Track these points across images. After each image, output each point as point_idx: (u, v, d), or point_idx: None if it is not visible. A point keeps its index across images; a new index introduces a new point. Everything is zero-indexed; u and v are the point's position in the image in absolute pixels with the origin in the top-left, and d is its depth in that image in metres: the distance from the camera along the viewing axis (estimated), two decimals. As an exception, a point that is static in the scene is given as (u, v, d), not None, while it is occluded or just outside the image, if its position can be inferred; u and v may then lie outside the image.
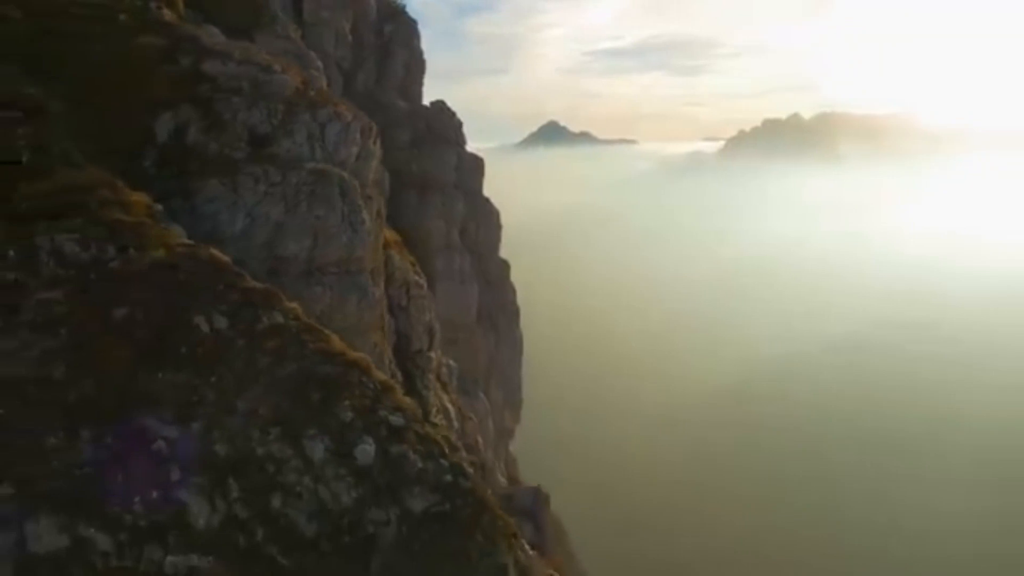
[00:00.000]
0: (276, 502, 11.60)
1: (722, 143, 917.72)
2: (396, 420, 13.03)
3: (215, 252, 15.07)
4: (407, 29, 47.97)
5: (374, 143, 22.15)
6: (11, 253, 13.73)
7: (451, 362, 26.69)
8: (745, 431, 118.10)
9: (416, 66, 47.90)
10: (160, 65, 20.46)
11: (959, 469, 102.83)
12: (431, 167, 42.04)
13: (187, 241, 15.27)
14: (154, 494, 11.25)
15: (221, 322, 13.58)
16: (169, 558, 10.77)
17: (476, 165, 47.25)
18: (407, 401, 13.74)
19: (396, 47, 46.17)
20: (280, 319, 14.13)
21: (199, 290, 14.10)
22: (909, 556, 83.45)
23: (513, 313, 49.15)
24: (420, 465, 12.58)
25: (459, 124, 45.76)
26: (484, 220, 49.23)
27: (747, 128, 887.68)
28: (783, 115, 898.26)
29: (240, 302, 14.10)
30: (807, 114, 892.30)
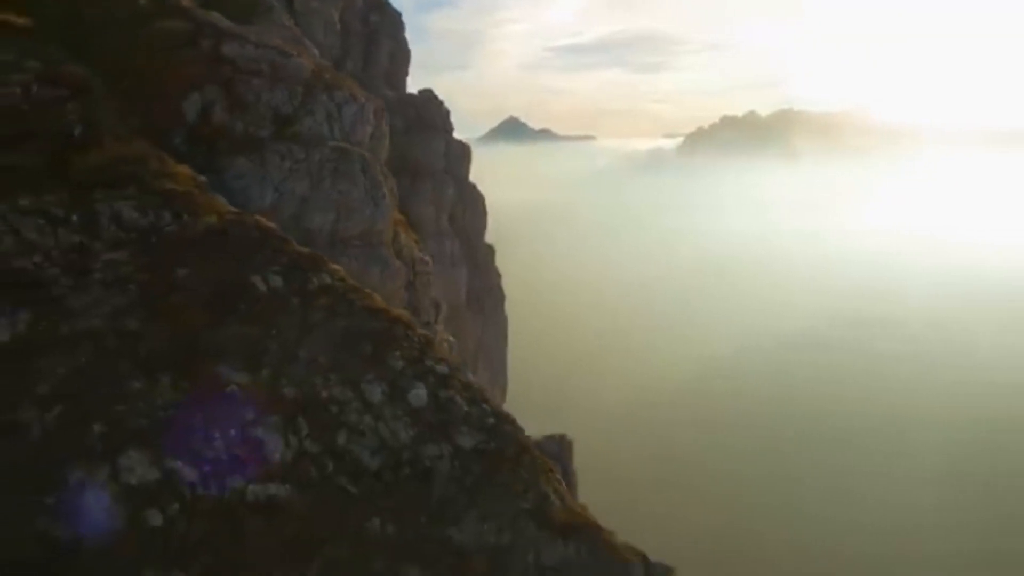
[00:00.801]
0: (341, 439, 12.72)
1: (681, 140, 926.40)
2: (441, 369, 14.21)
3: (261, 219, 16.12)
4: (392, 20, 49.02)
5: (385, 124, 23.25)
6: (74, 218, 14.66)
7: (451, 338, 27.90)
8: (705, 429, 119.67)
9: (402, 56, 49.05)
10: (183, 48, 21.35)
11: (918, 465, 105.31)
12: (421, 154, 43.19)
13: (233, 209, 16.29)
14: (232, 432, 12.31)
15: (276, 281, 14.64)
16: (250, 487, 11.85)
17: (463, 152, 48.62)
18: (449, 353, 14.92)
19: (382, 37, 47.25)
20: (328, 280, 15.22)
21: (252, 253, 15.15)
22: (869, 553, 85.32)
23: (499, 297, 50.53)
24: (466, 408, 13.78)
25: (447, 112, 47.07)
26: (471, 205, 50.58)
27: (706, 125, 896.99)
28: (740, 112, 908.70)
29: (290, 264, 15.17)
30: (764, 111, 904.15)
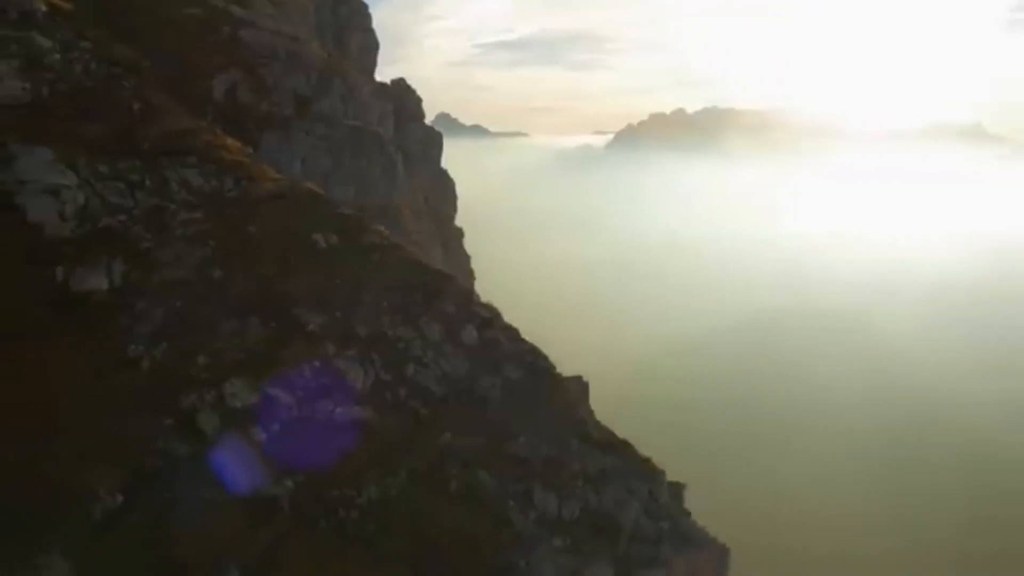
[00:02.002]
0: (410, 370, 14.65)
1: (612, 136, 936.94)
2: (484, 313, 16.24)
3: (311, 185, 17.88)
4: (360, 12, 50.33)
5: (389, 107, 25.07)
6: (147, 183, 16.24)
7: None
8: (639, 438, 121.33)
9: (371, 47, 50.36)
10: (206, 33, 22.83)
11: (830, 457, 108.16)
12: (400, 139, 44.63)
13: (282, 176, 18.01)
14: (317, 363, 14.15)
15: (333, 239, 16.45)
16: (338, 409, 13.71)
17: (435, 138, 50.31)
18: (485, 302, 16.95)
19: (352, 28, 48.52)
20: (376, 239, 17.08)
21: (308, 214, 16.92)
22: (786, 546, 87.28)
23: (469, 278, 52.08)
24: (509, 346, 15.83)
25: (419, 100, 48.53)
26: (443, 190, 52.32)
27: (636, 122, 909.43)
28: (669, 110, 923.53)
29: (343, 224, 16.98)
30: (692, 109, 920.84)
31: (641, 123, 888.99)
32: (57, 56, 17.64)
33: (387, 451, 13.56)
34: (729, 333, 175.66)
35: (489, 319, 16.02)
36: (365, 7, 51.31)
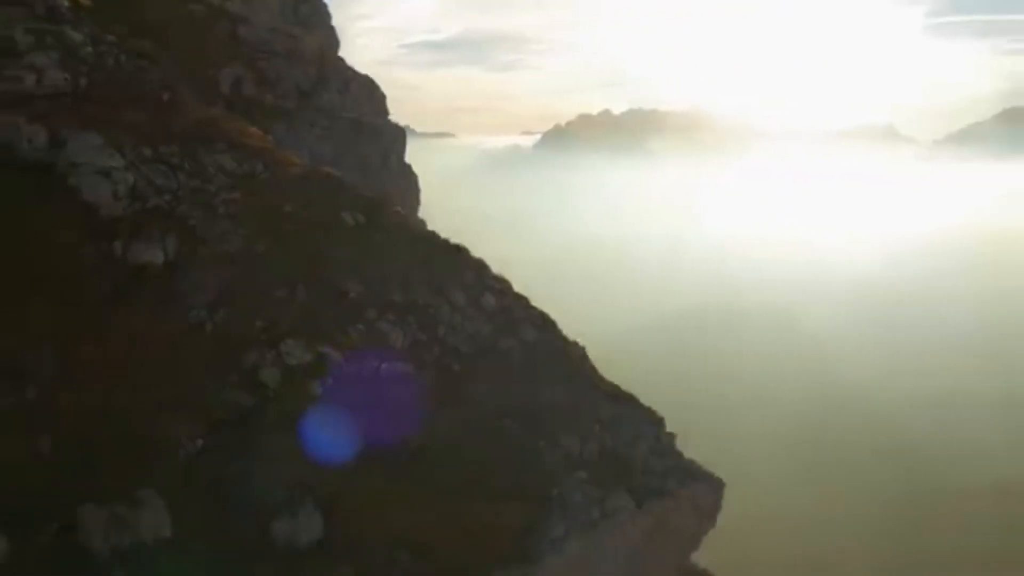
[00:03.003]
0: (441, 331, 16.39)
1: (539, 137, 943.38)
2: (497, 284, 18.06)
3: (330, 170, 19.43)
4: (320, 10, 51.48)
5: (383, 100, 26.65)
6: (187, 166, 17.61)
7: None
8: None
9: (332, 45, 51.42)
10: (208, 28, 24.09)
11: (755, 458, 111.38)
12: (367, 134, 46.17)
13: (304, 161, 19.51)
14: (360, 326, 15.80)
15: (360, 217, 18.05)
16: (383, 365, 15.39)
17: (400, 134, 51.67)
18: (497, 274, 18.76)
19: (312, 26, 49.60)
20: (396, 218, 18.76)
21: (335, 195, 18.49)
22: (708, 548, 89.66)
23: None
24: (522, 311, 17.70)
25: (383, 96, 49.85)
26: (408, 184, 53.73)
27: (563, 123, 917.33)
28: (595, 111, 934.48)
29: (365, 204, 18.59)
30: (618, 110, 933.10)
31: (568, 124, 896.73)
32: (89, 49, 18.83)
33: (426, 407, 15.27)
34: (654, 332, 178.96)
35: (502, 288, 17.85)
36: (325, 6, 52.47)
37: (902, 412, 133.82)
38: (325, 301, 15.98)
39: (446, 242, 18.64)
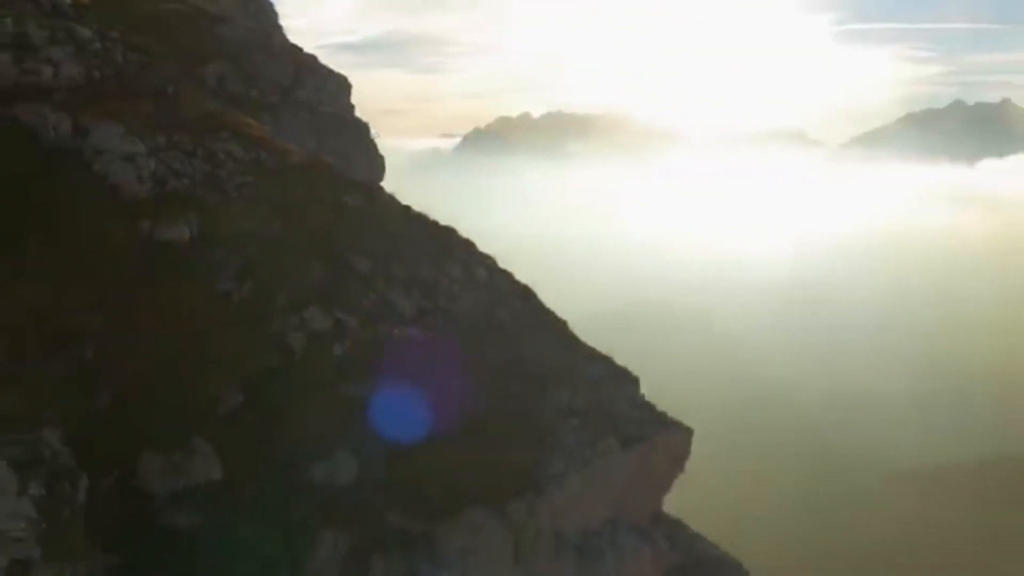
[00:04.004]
0: (443, 301, 18.25)
1: (459, 139, 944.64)
2: (486, 260, 20.00)
3: (323, 157, 21.05)
4: (267, 10, 52.32)
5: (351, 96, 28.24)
6: (199, 152, 19.05)
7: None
8: None
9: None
10: (189, 26, 25.29)
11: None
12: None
13: (299, 149, 21.07)
14: (372, 296, 17.54)
15: (359, 200, 19.75)
16: (395, 330, 17.18)
17: (366, 128, 53.02)
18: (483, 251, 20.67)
19: (260, 24, 50.43)
20: (389, 201, 20.50)
21: (333, 180, 20.15)
22: None
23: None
24: (509, 285, 19.68)
25: (350, 91, 51.17)
26: (380, 174, 55.11)
27: (482, 125, 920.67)
28: (515, 113, 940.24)
29: (362, 189, 20.29)
30: (537, 113, 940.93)
31: (488, 126, 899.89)
32: (98, 44, 20.05)
33: (433, 362, 17.12)
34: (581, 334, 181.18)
35: (490, 264, 19.79)
36: (271, 5, 53.38)
37: (820, 410, 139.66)
38: (337, 274, 17.65)
39: (436, 222, 20.47)
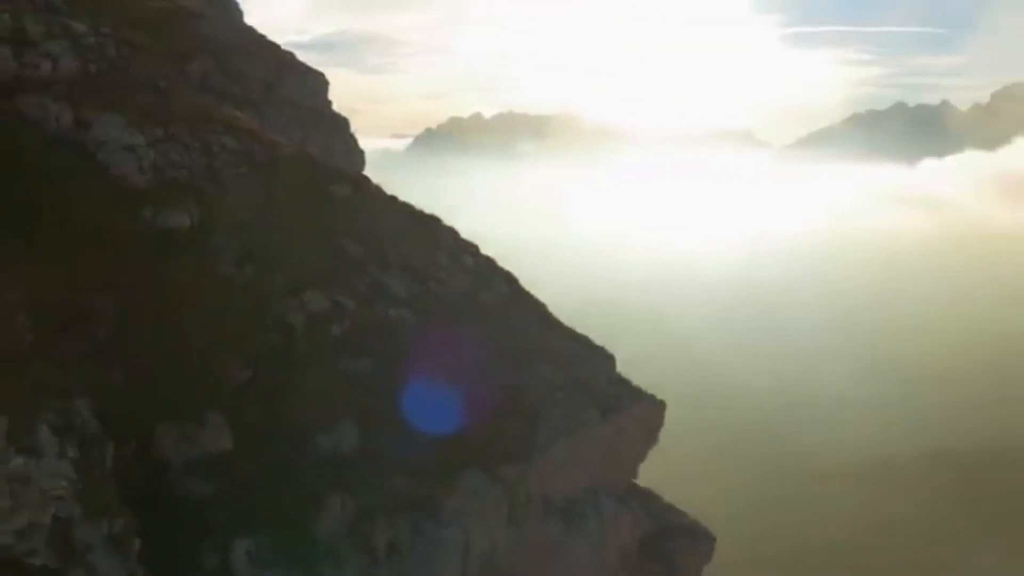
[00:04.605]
0: (432, 285, 19.31)
1: (411, 140, 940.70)
2: (471, 248, 21.11)
3: (314, 150, 21.96)
4: (231, 5, 52.63)
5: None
6: (196, 144, 19.84)
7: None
8: None
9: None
10: (171, 23, 25.94)
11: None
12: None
13: (287, 142, 21.95)
14: (367, 279, 18.55)
15: (347, 190, 20.72)
16: (391, 311, 18.21)
17: (346, 123, 53.68)
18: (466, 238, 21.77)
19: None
20: (376, 191, 21.49)
21: (321, 171, 21.07)
22: None
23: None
24: (493, 271, 20.81)
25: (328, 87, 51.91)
26: (360, 166, 55.92)
27: (434, 126, 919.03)
28: (466, 114, 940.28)
29: (350, 180, 21.25)
30: (489, 113, 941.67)
31: (439, 126, 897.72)
32: (92, 39, 20.72)
33: (427, 340, 18.20)
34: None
35: (474, 251, 20.91)
36: (236, 4, 53.68)
37: (765, 408, 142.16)
38: (332, 259, 18.64)
39: (422, 211, 21.52)
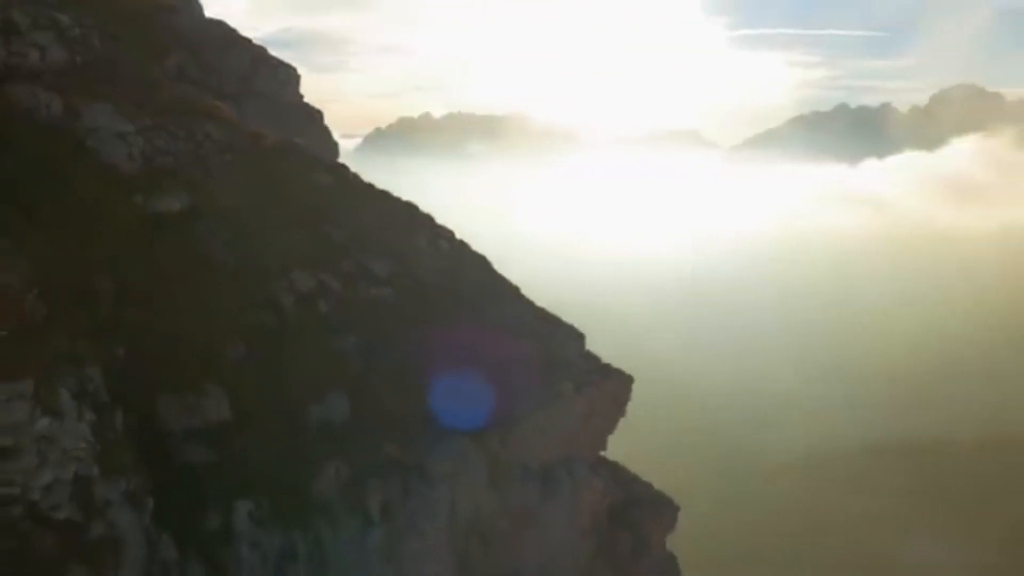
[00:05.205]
0: (412, 266, 20.32)
1: (360, 140, 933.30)
2: (446, 232, 22.15)
3: (295, 140, 22.78)
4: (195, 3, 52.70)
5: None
6: (181, 133, 20.56)
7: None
8: None
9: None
10: (148, 18, 26.51)
11: None
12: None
13: (270, 133, 22.74)
14: (351, 260, 19.48)
15: (328, 178, 21.62)
16: (373, 290, 19.17)
17: (319, 114, 54.18)
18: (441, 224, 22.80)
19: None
20: (355, 180, 22.41)
21: (304, 160, 21.93)
22: None
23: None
24: (467, 254, 21.88)
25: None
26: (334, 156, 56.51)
27: (383, 126, 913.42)
28: (416, 114, 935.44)
29: (329, 168, 22.14)
30: (438, 114, 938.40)
31: (389, 127, 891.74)
32: (77, 31, 21.30)
33: (406, 316, 19.21)
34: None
35: (449, 236, 21.96)
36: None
37: (716, 408, 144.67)
38: (317, 242, 19.53)
39: (399, 198, 22.51)
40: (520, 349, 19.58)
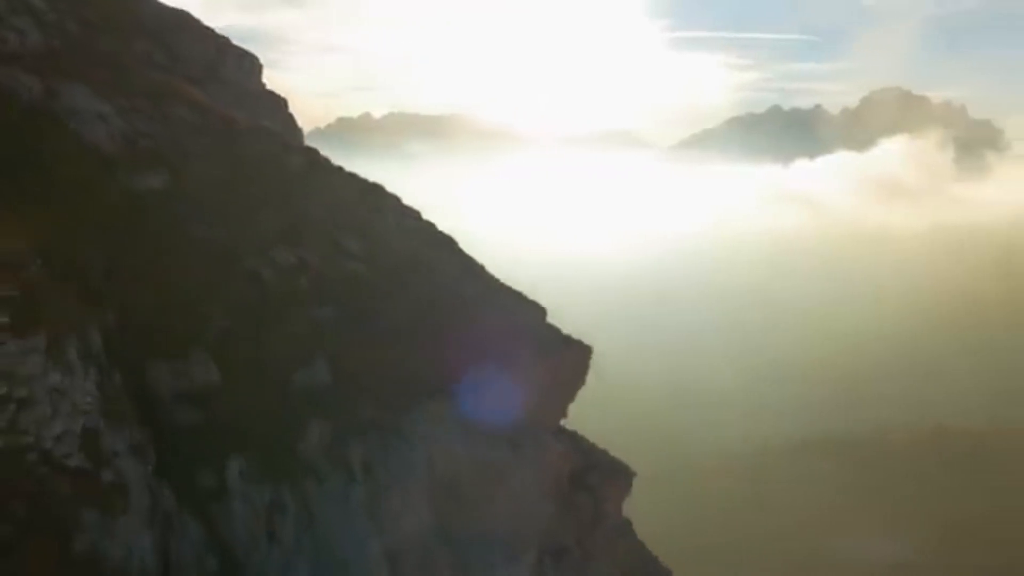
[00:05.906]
0: (382, 243, 21.37)
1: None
2: (413, 212, 23.23)
3: (268, 125, 23.62)
4: None
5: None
6: (157, 115, 21.29)
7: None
8: None
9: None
10: (118, 4, 27.03)
11: None
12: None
13: (242, 117, 23.54)
14: (329, 239, 20.45)
15: (300, 161, 22.54)
16: (348, 264, 20.18)
17: (284, 103, 54.30)
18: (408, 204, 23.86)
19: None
20: (326, 163, 23.35)
21: (274, 143, 22.81)
22: None
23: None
24: (433, 233, 22.99)
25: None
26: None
27: (322, 126, 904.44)
28: (355, 114, 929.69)
29: (301, 152, 23.05)
30: (378, 114, 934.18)
31: (328, 126, 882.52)
32: (53, 15, 21.88)
33: (381, 291, 20.26)
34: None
35: (417, 215, 23.06)
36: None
37: (657, 407, 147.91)
38: (295, 220, 20.48)
39: (367, 180, 23.52)
40: (488, 318, 20.75)
